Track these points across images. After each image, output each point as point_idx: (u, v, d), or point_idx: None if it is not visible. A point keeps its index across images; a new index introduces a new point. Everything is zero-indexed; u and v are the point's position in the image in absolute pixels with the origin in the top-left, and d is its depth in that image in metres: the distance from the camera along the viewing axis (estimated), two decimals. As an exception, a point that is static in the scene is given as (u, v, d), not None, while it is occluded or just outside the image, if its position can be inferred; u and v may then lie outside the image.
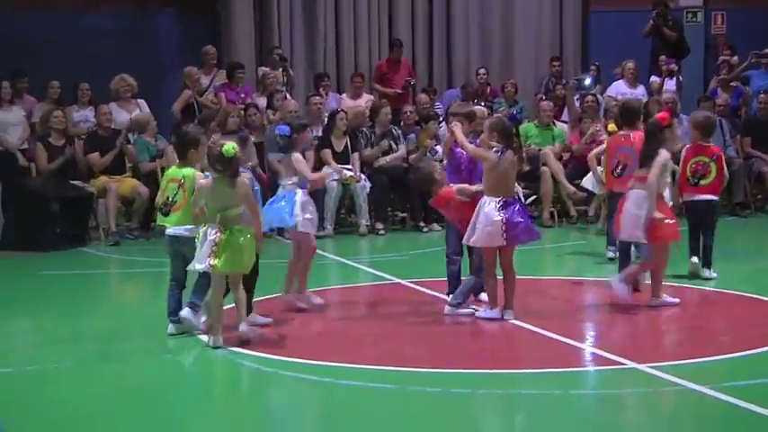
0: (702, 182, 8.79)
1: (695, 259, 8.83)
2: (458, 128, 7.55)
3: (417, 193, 11.04)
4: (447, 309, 7.60)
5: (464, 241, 7.55)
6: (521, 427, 5.26)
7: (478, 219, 7.29)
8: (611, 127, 11.78)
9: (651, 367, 5.97)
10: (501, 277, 7.43)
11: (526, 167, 7.74)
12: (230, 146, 6.74)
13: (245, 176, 6.92)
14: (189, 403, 5.64)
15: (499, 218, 7.21)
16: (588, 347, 6.62)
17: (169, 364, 6.54)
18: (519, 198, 7.50)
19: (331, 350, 6.74)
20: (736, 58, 15.05)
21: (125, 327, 7.69)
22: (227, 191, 6.75)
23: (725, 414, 5.20)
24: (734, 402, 5.25)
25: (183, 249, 7.08)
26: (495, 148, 7.31)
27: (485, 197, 7.35)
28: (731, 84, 14.77)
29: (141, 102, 13.25)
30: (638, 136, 8.16)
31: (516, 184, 7.53)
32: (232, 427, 5.23)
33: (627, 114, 8.65)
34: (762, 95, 14.10)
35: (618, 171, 8.45)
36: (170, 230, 7.16)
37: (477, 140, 7.59)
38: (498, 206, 7.24)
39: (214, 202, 6.76)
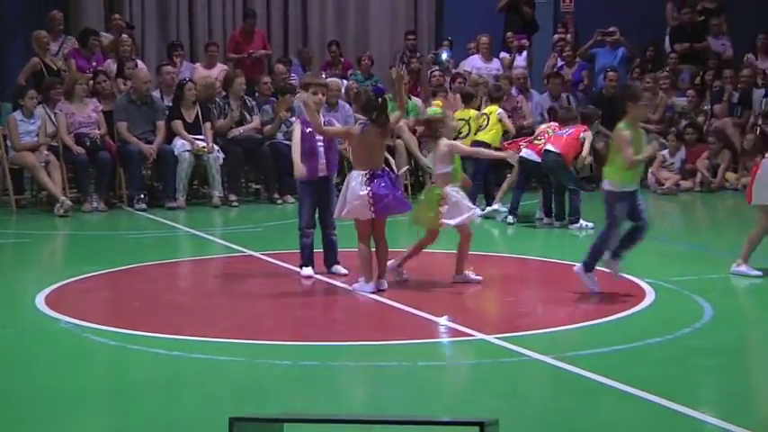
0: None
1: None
2: (310, 109, 7.42)
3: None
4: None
5: (335, 215, 7.56)
6: (368, 398, 5.29)
7: (347, 192, 7.31)
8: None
9: (499, 338, 6.09)
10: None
11: (395, 139, 7.75)
12: (435, 110, 7.73)
13: None
14: (29, 377, 5.47)
15: (365, 191, 7.23)
16: (439, 319, 6.70)
17: (10, 337, 6.33)
18: (390, 170, 7.50)
19: (181, 323, 6.64)
20: (569, 35, 15.50)
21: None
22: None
23: (568, 382, 5.35)
24: (576, 372, 5.40)
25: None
26: (359, 122, 7.31)
27: (353, 171, 7.38)
28: (576, 60, 15.23)
29: None
30: None
31: (388, 156, 7.53)
32: (77, 400, 5.09)
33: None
34: (610, 73, 14.45)
35: None
36: None
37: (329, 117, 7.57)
38: (365, 179, 7.25)
39: None
